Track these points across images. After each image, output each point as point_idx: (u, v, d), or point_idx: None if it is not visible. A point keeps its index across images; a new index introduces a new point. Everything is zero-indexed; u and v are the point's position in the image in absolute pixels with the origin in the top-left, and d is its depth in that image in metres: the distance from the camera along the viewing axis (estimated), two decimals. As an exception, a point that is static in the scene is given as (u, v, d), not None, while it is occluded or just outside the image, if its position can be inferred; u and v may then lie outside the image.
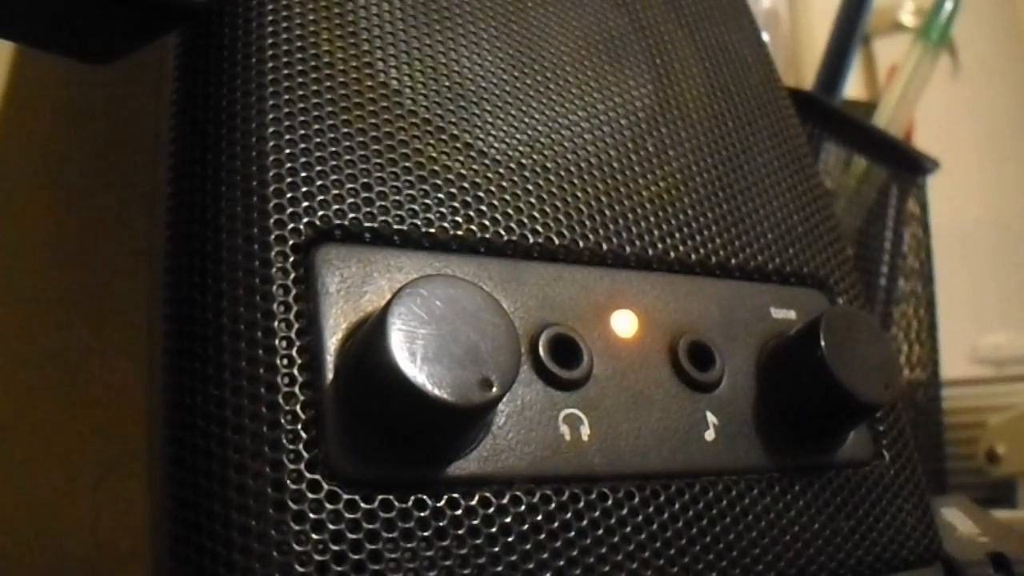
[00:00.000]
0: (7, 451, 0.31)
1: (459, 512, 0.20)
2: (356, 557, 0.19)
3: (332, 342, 0.20)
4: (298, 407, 0.19)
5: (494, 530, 0.20)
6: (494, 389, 0.19)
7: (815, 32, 0.79)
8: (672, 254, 0.27)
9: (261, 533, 0.18)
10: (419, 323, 0.19)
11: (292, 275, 0.21)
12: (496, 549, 0.20)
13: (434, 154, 0.24)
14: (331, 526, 0.19)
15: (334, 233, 0.22)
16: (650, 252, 0.26)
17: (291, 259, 0.21)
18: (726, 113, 0.32)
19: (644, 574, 0.22)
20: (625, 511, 0.22)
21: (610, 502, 0.22)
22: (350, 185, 0.22)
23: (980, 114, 0.95)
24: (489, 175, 0.25)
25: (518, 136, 0.26)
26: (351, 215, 0.22)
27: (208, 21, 0.24)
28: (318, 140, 0.23)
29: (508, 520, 0.20)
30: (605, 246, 0.26)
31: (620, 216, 0.26)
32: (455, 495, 0.20)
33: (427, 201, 0.23)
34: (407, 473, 0.20)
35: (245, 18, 0.24)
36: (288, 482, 0.19)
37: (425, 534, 0.19)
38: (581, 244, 0.25)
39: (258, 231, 0.21)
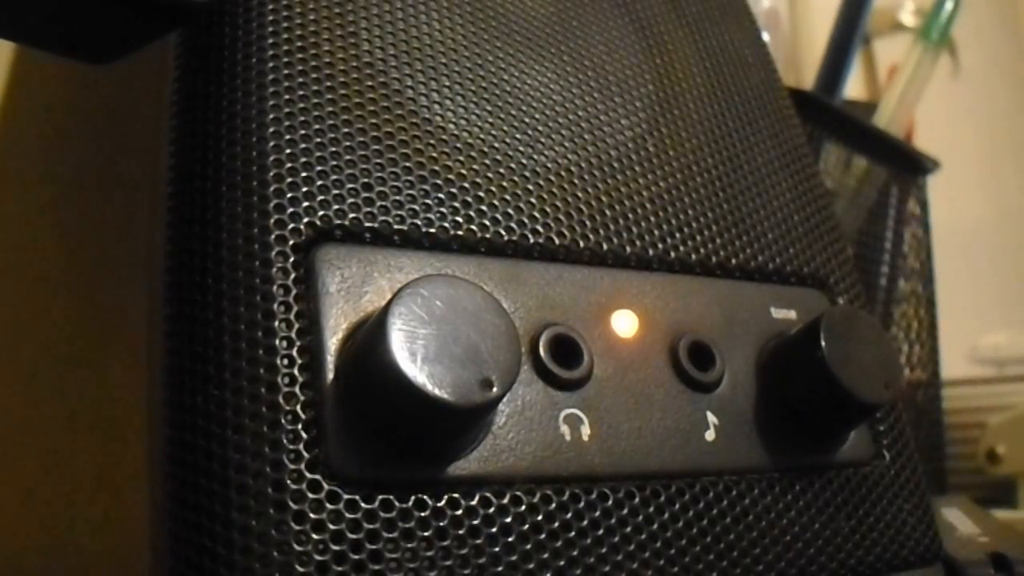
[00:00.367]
0: (7, 452, 0.31)
1: (459, 512, 0.20)
2: (356, 557, 0.19)
3: (332, 342, 0.20)
4: (298, 407, 0.19)
5: (494, 530, 0.20)
6: (494, 389, 0.19)
7: (815, 32, 0.79)
8: (672, 254, 0.27)
9: (261, 533, 0.18)
10: (419, 323, 0.19)
11: (292, 275, 0.21)
12: (496, 549, 0.20)
13: (434, 154, 0.24)
14: (331, 526, 0.19)
15: (334, 233, 0.22)
16: (650, 252, 0.26)
17: (291, 259, 0.21)
18: (726, 113, 0.32)
19: (644, 574, 0.22)
20: (625, 511, 0.22)
21: (610, 502, 0.22)
22: (350, 185, 0.22)
23: (980, 114, 0.95)
24: (489, 175, 0.25)
25: (518, 136, 0.26)
26: (351, 215, 0.22)
27: (208, 21, 0.24)
28: (318, 140, 0.23)
29: (508, 520, 0.20)
30: (605, 246, 0.26)
31: (620, 216, 0.26)
32: (455, 495, 0.20)
33: (427, 201, 0.23)
34: (407, 473, 0.20)
35: (245, 18, 0.24)
36: (288, 482, 0.19)
37: (425, 534, 0.19)
38: (581, 244, 0.25)
39: (258, 231, 0.21)
